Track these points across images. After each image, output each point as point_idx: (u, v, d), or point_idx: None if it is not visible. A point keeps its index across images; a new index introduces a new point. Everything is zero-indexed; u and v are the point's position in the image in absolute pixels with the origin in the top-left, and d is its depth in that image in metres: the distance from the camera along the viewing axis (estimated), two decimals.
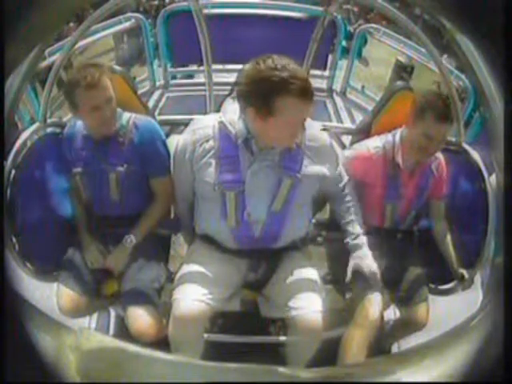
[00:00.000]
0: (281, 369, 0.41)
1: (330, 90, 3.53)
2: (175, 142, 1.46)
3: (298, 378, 0.43)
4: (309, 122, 1.39)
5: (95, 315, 1.90)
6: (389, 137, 1.64)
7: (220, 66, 3.23)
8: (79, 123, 1.57)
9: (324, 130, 1.47)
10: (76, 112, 1.47)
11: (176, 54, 3.55)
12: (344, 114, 3.19)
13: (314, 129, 1.40)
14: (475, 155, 1.67)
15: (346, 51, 3.60)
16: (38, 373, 0.41)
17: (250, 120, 1.25)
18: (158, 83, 3.51)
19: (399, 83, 2.13)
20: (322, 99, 3.36)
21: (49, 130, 1.64)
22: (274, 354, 1.56)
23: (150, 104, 3.12)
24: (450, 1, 0.43)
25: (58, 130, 1.64)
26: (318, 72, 3.38)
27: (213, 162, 1.34)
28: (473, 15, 0.40)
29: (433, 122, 1.49)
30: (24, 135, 1.54)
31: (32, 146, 1.54)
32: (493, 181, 1.57)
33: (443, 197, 1.69)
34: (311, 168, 1.37)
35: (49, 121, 1.65)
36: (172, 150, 1.50)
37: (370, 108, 3.02)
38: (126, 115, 1.55)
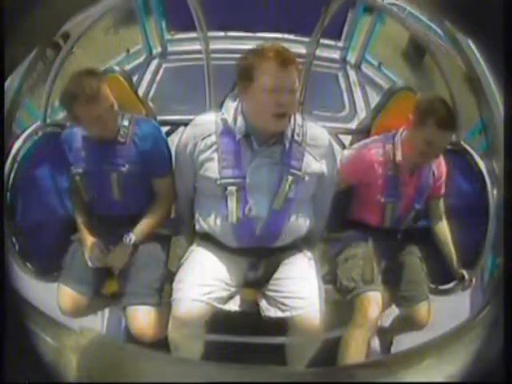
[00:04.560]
0: (281, 369, 0.41)
1: (344, 62, 3.10)
2: (177, 138, 1.46)
3: (298, 378, 0.43)
4: (309, 123, 1.42)
5: (106, 316, 1.89)
6: (389, 137, 1.63)
7: (222, 33, 3.02)
8: None
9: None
10: (77, 123, 1.47)
11: (170, 14, 3.19)
12: (357, 91, 2.83)
13: (315, 129, 1.42)
14: (475, 155, 1.67)
15: (364, 20, 3.12)
16: (38, 373, 0.41)
17: (240, 98, 1.35)
18: (154, 51, 3.19)
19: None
20: (333, 72, 2.98)
21: (49, 129, 1.64)
22: (274, 354, 1.55)
23: (147, 77, 2.91)
24: (451, 2, 0.43)
25: (58, 130, 1.64)
26: (331, 42, 3.03)
27: (214, 157, 1.36)
28: (474, 16, 0.40)
29: (434, 129, 1.46)
30: (24, 135, 1.54)
31: (32, 146, 1.54)
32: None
33: (443, 196, 1.69)
34: (312, 166, 1.38)
35: (49, 120, 1.65)
36: (173, 148, 1.51)
37: (386, 86, 2.68)
38: (128, 116, 1.55)
